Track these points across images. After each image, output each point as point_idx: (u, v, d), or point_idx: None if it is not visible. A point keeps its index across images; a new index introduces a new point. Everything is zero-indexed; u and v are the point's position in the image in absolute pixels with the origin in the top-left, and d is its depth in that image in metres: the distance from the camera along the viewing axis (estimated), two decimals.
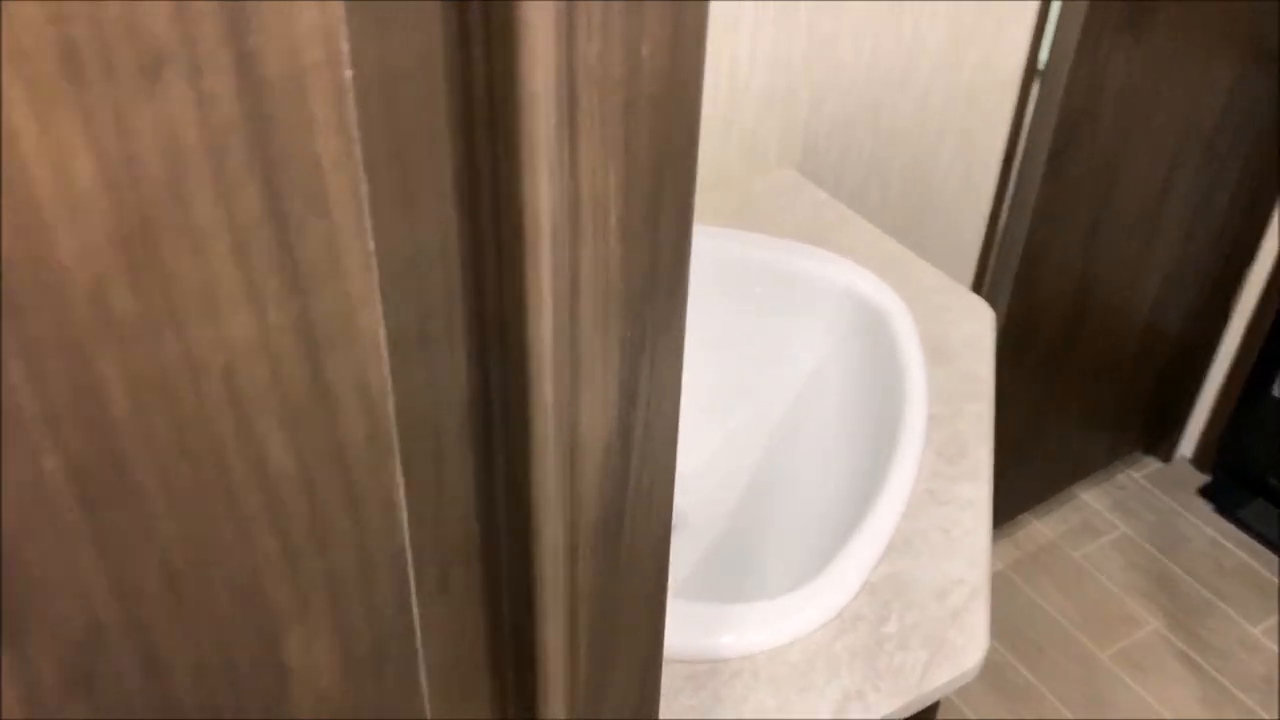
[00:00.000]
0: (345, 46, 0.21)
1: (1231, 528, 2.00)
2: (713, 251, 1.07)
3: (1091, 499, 2.06)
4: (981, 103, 1.35)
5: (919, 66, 1.25)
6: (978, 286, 1.54)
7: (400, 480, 0.27)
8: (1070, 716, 1.72)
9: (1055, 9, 1.32)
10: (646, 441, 0.31)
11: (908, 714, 0.69)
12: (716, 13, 1.06)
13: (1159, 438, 2.11)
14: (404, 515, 0.27)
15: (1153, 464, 2.13)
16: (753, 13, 1.08)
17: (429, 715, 0.32)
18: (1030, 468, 1.91)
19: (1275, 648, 1.82)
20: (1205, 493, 2.06)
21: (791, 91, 1.17)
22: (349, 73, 0.21)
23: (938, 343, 0.97)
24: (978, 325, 0.99)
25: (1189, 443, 2.11)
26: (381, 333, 0.24)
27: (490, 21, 0.22)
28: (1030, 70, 1.36)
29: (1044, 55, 1.36)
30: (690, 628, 0.71)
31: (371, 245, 0.23)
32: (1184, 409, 2.07)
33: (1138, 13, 1.34)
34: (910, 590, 0.74)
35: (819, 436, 0.98)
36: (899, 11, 1.19)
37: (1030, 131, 1.43)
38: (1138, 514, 2.04)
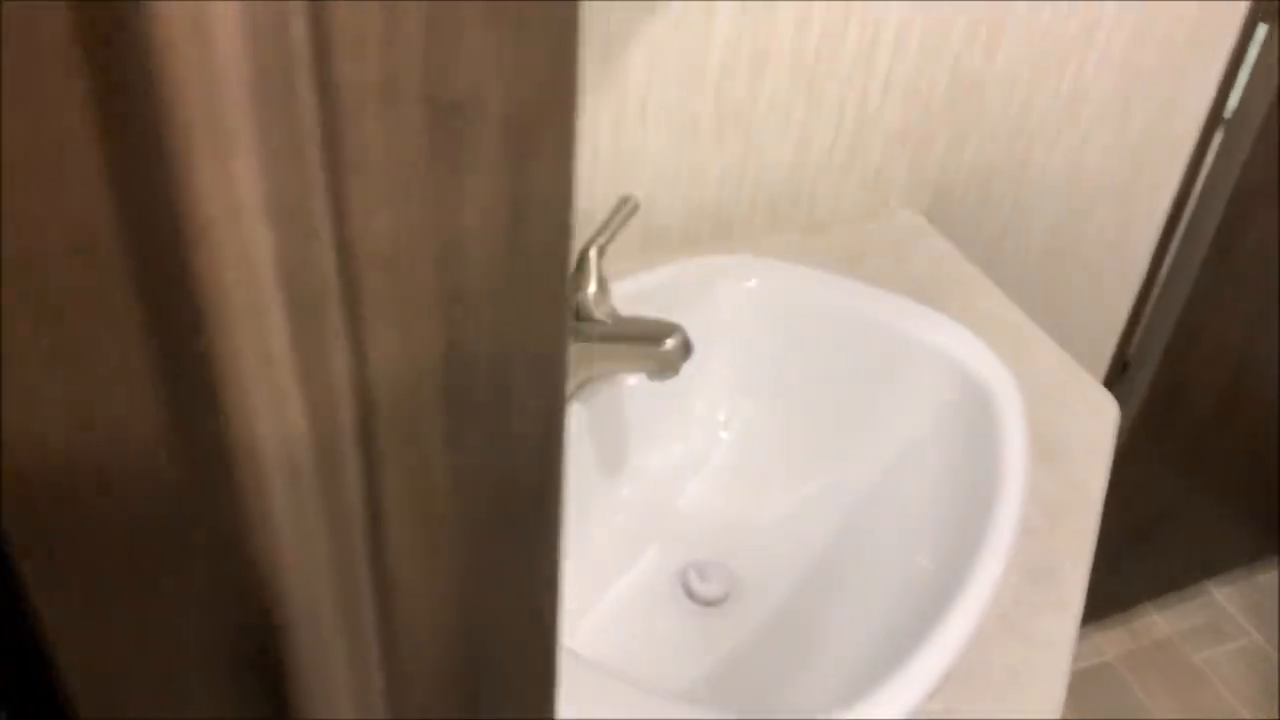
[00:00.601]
0: None
1: None
2: (816, 297, 0.98)
3: (1224, 598, 1.88)
4: (1148, 160, 1.21)
5: (1077, 116, 1.12)
6: (1119, 359, 1.40)
7: None
8: None
9: (1257, 41, 1.17)
10: None
11: None
12: (851, 35, 0.96)
13: None
14: None
15: None
16: (893, 43, 0.98)
17: None
18: (1157, 556, 1.74)
19: None
20: None
21: (928, 130, 1.06)
22: None
23: (1048, 438, 0.85)
24: (1098, 423, 0.87)
25: None
26: None
27: None
28: (1213, 120, 1.21)
29: (1233, 101, 1.21)
30: None
31: None
32: None
33: None
34: None
35: (900, 525, 0.88)
36: (1062, 59, 1.06)
37: (1202, 195, 1.28)
38: (1274, 622, 1.84)
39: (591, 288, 0.86)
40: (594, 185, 0.96)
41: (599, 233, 0.87)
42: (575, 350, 0.81)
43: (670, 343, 0.77)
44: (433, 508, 0.25)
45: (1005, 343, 0.95)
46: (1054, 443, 0.85)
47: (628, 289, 0.98)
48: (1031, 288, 1.26)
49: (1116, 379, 1.42)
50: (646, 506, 0.93)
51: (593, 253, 0.86)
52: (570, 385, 0.83)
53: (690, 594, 0.89)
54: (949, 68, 1.02)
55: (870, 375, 0.96)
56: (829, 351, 0.97)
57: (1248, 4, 1.13)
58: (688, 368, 0.97)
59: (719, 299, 0.98)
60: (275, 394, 0.21)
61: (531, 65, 0.20)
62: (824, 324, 0.97)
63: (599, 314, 0.87)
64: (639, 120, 0.94)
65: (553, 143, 0.22)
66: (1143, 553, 1.68)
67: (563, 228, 0.23)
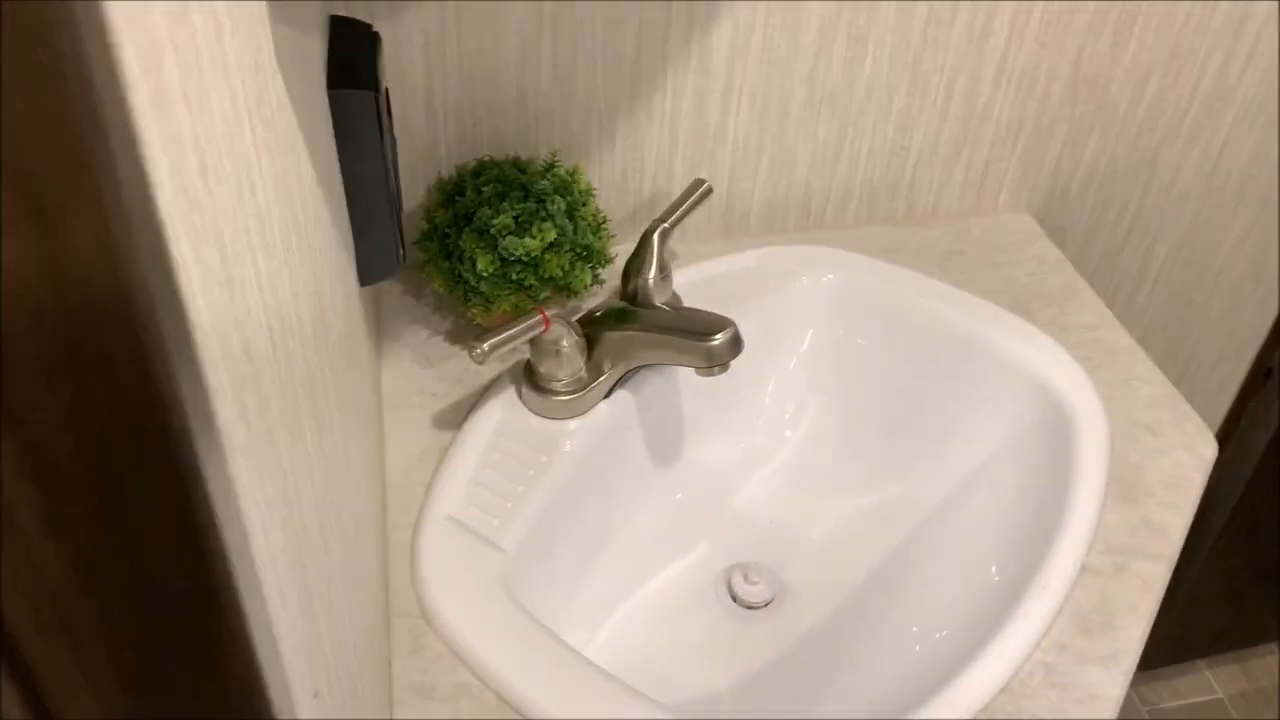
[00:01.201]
0: None
1: None
2: (900, 297, 0.92)
3: None
4: None
5: (1220, 117, 1.02)
6: (1249, 386, 1.28)
7: None
8: None
9: None
10: None
11: None
12: (960, 20, 0.89)
13: None
14: None
15: None
16: (1008, 30, 0.91)
17: None
18: None
19: None
20: None
21: (1044, 125, 0.98)
22: None
23: (1130, 473, 0.78)
24: (1189, 462, 0.79)
25: None
26: None
27: None
28: None
29: None
30: None
31: None
32: None
33: None
34: None
35: (958, 553, 0.82)
36: (1203, 54, 0.97)
37: None
38: None
39: (651, 272, 0.84)
40: (673, 165, 0.93)
41: (664, 216, 0.84)
42: (620, 339, 0.79)
43: (718, 339, 0.74)
44: None
45: (1102, 363, 0.87)
46: (1137, 478, 0.78)
47: (705, 273, 0.95)
48: (1151, 302, 1.16)
49: (1257, 390, 1.31)
50: (701, 501, 0.90)
51: (655, 237, 0.83)
52: (616, 372, 0.81)
53: (734, 595, 0.86)
54: (1071, 59, 0.94)
55: (949, 386, 0.90)
56: (908, 356, 0.92)
57: None
58: (757, 361, 0.93)
59: (798, 291, 0.94)
60: None
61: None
62: (905, 326, 0.92)
63: (659, 300, 0.85)
64: (723, 99, 0.89)
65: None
66: (1267, 592, 1.56)
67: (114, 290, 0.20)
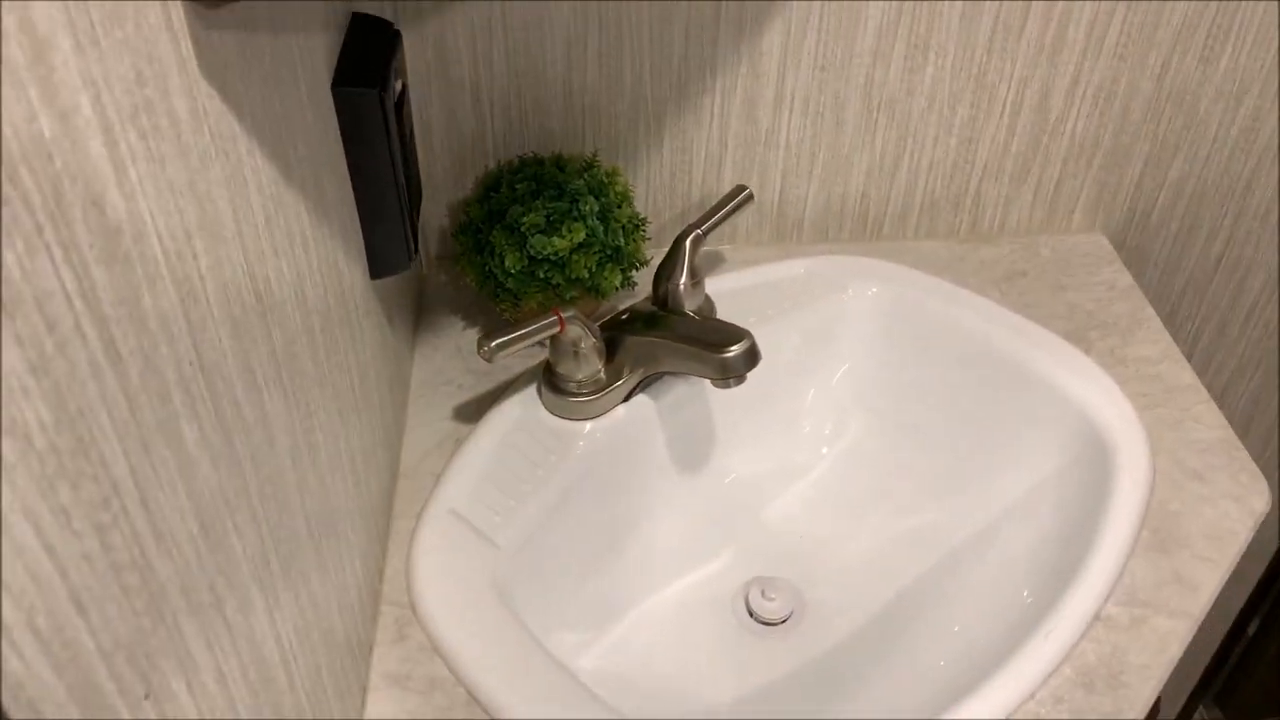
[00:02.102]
0: None
1: None
2: (950, 316, 0.89)
3: None
4: None
5: None
6: None
7: None
8: None
9: None
10: None
11: None
12: (1031, 29, 0.85)
13: None
14: None
15: None
16: (1083, 41, 0.86)
17: None
18: None
19: None
20: None
21: (1123, 143, 0.93)
22: None
23: (1168, 521, 0.74)
24: (1236, 514, 0.74)
25: None
26: None
27: None
28: None
29: None
30: None
31: None
32: None
33: None
34: None
35: (990, 585, 0.79)
36: None
37: None
38: None
39: (682, 278, 0.82)
40: (722, 168, 0.91)
41: (699, 222, 0.83)
42: (641, 343, 0.78)
43: (732, 351, 0.72)
44: None
45: (1159, 401, 0.82)
46: (1173, 527, 0.73)
47: (751, 280, 0.93)
48: (1243, 336, 1.08)
49: None
50: (726, 512, 0.89)
51: (688, 243, 0.82)
52: (635, 376, 0.80)
53: (750, 609, 0.85)
54: (1153, 74, 0.88)
55: (993, 413, 0.86)
56: (955, 378, 0.88)
57: None
58: (796, 373, 0.91)
59: (845, 303, 0.91)
60: None
61: None
62: (954, 347, 0.88)
63: (689, 306, 0.84)
64: (774, 103, 0.87)
65: None
66: None
67: None
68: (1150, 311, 0.90)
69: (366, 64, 0.62)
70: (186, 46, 0.37)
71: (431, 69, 0.83)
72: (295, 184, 0.51)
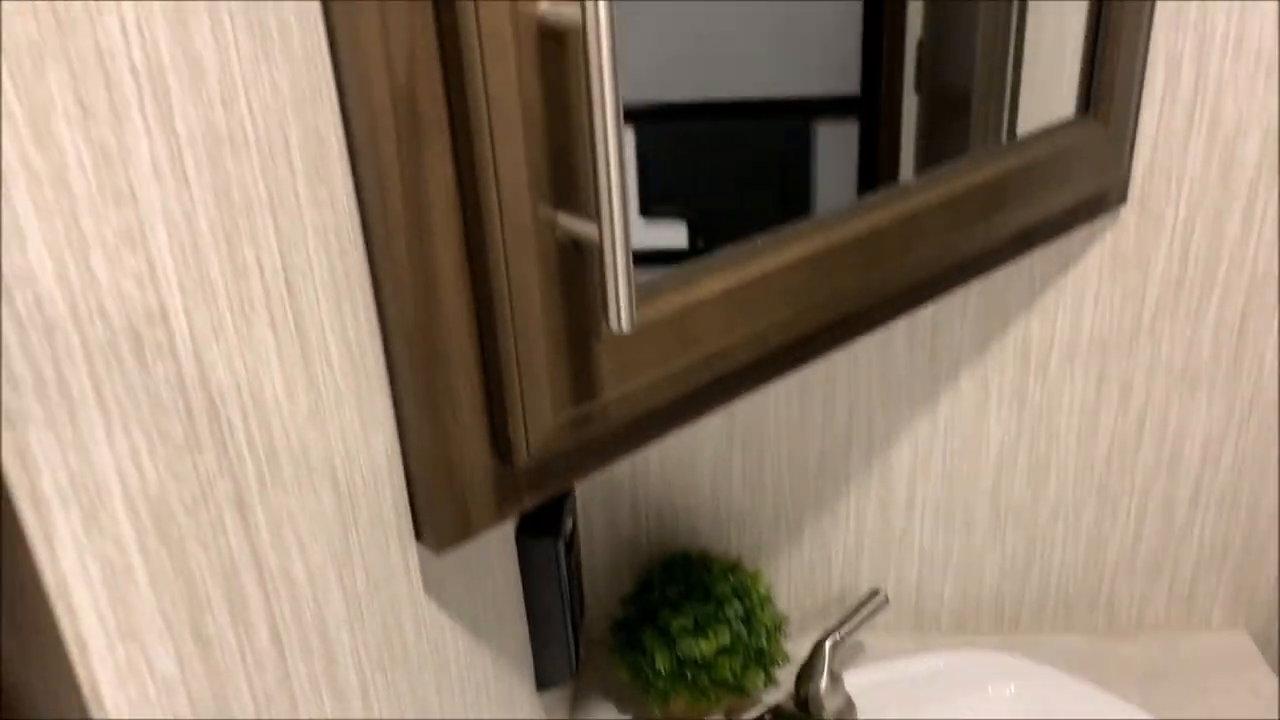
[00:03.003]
0: None
1: None
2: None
3: None
4: None
5: None
6: None
7: None
8: None
9: None
10: None
11: None
12: (1146, 447, 0.91)
13: None
14: None
15: None
16: (1199, 456, 0.92)
17: None
18: None
19: None
20: None
21: (1256, 546, 0.96)
22: None
23: None
24: None
25: None
26: None
27: None
28: None
29: None
30: None
31: None
32: None
33: None
34: None
35: None
36: None
37: None
38: None
39: (823, 681, 0.88)
40: (859, 569, 0.98)
41: (839, 624, 0.89)
42: None
43: None
44: None
45: None
46: None
47: (889, 674, 0.97)
48: None
49: None
50: None
51: (828, 644, 0.88)
52: None
53: None
54: (1275, 486, 0.93)
55: None
56: None
57: None
58: None
59: (984, 702, 0.94)
60: None
61: None
62: None
63: (829, 706, 0.88)
64: (905, 510, 0.95)
65: None
66: None
67: None
68: None
69: (546, 508, 0.73)
70: (416, 577, 0.48)
71: (594, 481, 0.94)
72: (483, 644, 0.61)
